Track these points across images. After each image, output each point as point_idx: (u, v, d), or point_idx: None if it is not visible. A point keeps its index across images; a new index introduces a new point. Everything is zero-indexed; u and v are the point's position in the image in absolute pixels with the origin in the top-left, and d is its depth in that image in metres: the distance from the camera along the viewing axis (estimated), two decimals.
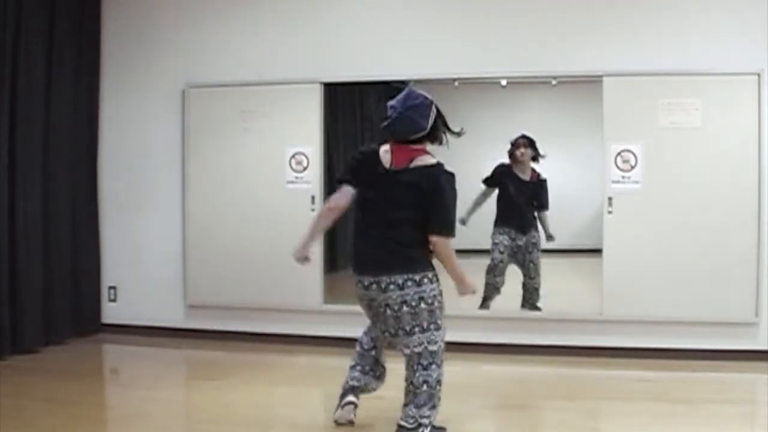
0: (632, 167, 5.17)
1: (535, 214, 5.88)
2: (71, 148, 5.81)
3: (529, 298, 5.75)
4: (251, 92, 5.75)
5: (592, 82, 5.24)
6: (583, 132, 5.99)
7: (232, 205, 5.79)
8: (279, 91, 5.71)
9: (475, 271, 5.68)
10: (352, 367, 3.82)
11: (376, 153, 3.51)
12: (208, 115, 5.84)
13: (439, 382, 3.50)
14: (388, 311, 3.42)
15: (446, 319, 5.58)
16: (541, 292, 5.76)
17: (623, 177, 5.18)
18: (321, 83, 5.64)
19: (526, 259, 5.80)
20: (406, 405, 3.51)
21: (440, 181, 3.39)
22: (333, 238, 6.19)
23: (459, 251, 3.52)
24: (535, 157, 5.80)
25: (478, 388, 4.66)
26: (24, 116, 5.31)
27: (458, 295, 3.58)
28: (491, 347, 5.30)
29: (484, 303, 5.63)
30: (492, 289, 5.72)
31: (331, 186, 6.15)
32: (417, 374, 3.46)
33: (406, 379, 3.53)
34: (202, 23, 5.93)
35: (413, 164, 3.43)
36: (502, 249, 5.78)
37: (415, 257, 3.42)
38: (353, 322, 5.60)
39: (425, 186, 3.37)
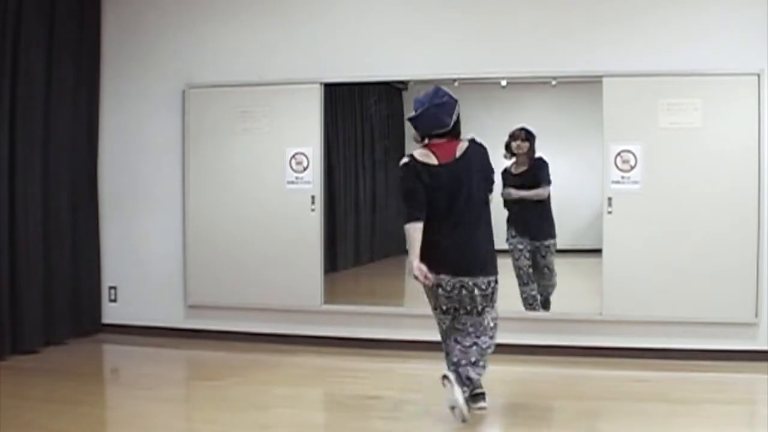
0: (632, 167, 5.17)
1: (547, 214, 5.69)
2: (71, 149, 5.81)
3: (543, 301, 5.67)
4: (251, 92, 5.75)
5: (592, 82, 5.24)
6: (583, 132, 5.98)
7: (232, 205, 5.79)
8: (279, 91, 5.71)
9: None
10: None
11: (414, 161, 3.80)
12: (208, 115, 5.84)
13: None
14: (477, 291, 3.80)
15: None
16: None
17: (623, 177, 5.18)
18: (321, 83, 5.63)
19: (540, 264, 5.69)
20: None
21: (485, 151, 3.93)
22: (333, 239, 6.20)
23: None
24: (531, 151, 5.64)
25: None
26: (24, 117, 5.31)
27: None
28: None
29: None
30: (530, 298, 5.65)
31: (331, 186, 6.17)
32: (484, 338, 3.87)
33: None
34: (202, 24, 5.93)
35: (458, 153, 3.81)
36: (527, 255, 5.68)
37: (495, 255, 3.90)
38: (353, 322, 5.64)
39: (476, 161, 3.85)
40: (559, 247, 5.90)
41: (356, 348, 5.46)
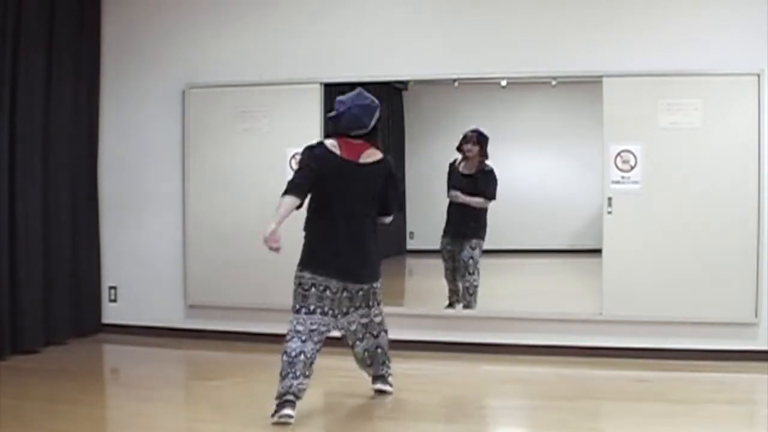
0: (632, 167, 5.17)
1: (482, 217, 5.72)
2: (71, 149, 5.81)
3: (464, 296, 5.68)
4: (251, 92, 5.75)
5: (592, 82, 5.24)
6: (583, 132, 5.99)
7: (232, 205, 5.79)
8: (279, 91, 5.71)
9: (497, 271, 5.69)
10: (300, 375, 3.77)
11: (324, 145, 3.86)
12: (208, 115, 5.84)
13: None
14: (344, 294, 3.89)
15: (445, 320, 5.59)
16: (542, 290, 5.74)
17: (623, 177, 5.18)
18: (321, 83, 5.63)
19: (464, 257, 5.69)
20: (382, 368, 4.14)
21: (393, 172, 3.91)
22: None
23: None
24: (483, 155, 5.70)
25: (478, 388, 4.66)
26: (24, 117, 5.31)
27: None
28: (491, 347, 5.30)
29: (449, 305, 5.70)
30: (454, 292, 5.76)
31: None
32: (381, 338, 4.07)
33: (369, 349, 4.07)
34: (203, 24, 5.93)
35: (363, 159, 3.81)
36: (447, 256, 5.79)
37: (378, 262, 3.96)
38: None
39: (381, 175, 3.84)
40: (559, 247, 5.90)
41: None
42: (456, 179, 5.79)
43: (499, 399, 4.55)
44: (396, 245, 6.67)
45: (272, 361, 5.26)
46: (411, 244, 6.71)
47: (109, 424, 4.08)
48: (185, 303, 5.95)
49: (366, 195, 3.80)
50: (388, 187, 3.87)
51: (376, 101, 3.87)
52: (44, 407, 4.12)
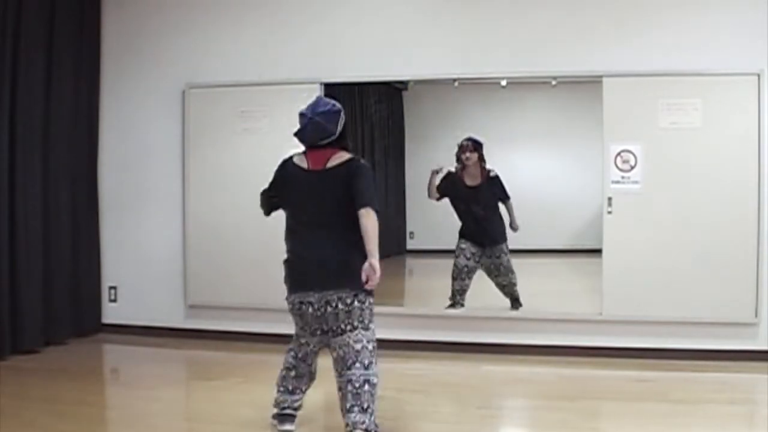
0: (632, 167, 5.17)
1: (499, 221, 5.80)
2: (71, 149, 5.81)
3: (509, 292, 5.74)
4: (251, 92, 5.75)
5: (592, 82, 5.24)
6: (583, 132, 5.99)
7: (232, 205, 5.79)
8: (279, 91, 5.71)
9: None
10: (295, 390, 3.81)
11: (291, 161, 3.66)
12: (208, 115, 5.84)
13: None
14: (329, 308, 3.47)
15: (445, 320, 5.60)
16: (542, 290, 5.75)
17: (623, 177, 5.18)
18: (321, 83, 5.62)
19: (496, 264, 5.75)
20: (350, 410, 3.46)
21: (359, 168, 3.48)
22: None
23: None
24: (481, 160, 5.77)
25: (478, 388, 4.66)
26: (24, 117, 5.31)
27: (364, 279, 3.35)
28: (491, 347, 5.30)
29: (452, 306, 5.68)
30: (461, 292, 5.75)
31: None
32: (358, 373, 3.49)
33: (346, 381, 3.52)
34: (203, 24, 5.93)
35: (330, 163, 3.52)
36: (468, 255, 5.76)
37: (355, 269, 3.34)
38: None
39: (346, 175, 3.45)
40: (559, 247, 5.90)
41: None
42: (460, 191, 5.80)
43: (499, 399, 4.54)
44: (396, 245, 6.68)
45: (272, 361, 5.27)
46: (411, 244, 6.72)
47: (110, 424, 4.08)
48: (185, 303, 5.95)
49: (335, 198, 3.46)
50: (355, 180, 3.44)
51: (338, 105, 3.60)
52: (44, 407, 4.12)
